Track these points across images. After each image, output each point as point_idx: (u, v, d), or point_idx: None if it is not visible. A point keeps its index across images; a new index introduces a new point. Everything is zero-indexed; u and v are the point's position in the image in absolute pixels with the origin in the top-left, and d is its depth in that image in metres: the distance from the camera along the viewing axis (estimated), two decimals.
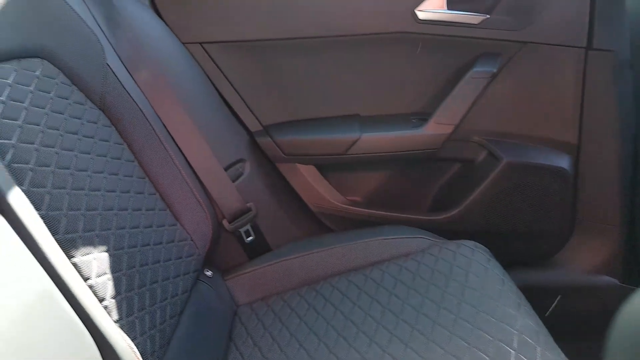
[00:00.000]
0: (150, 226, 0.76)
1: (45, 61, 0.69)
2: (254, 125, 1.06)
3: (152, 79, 0.86)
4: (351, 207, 1.10)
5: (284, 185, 1.10)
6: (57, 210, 0.58)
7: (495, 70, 0.98)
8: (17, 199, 0.51)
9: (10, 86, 0.59)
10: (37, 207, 0.55)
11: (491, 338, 0.68)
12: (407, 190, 1.14)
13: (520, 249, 1.12)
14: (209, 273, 0.92)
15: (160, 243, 0.77)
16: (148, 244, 0.74)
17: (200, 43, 0.98)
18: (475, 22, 0.95)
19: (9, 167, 0.54)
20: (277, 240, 1.03)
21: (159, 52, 0.90)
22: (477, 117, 1.03)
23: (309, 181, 1.08)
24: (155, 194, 0.81)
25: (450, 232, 1.04)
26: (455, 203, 1.08)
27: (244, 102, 1.05)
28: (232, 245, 0.99)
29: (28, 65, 0.65)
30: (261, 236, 1.01)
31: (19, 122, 0.58)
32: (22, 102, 0.60)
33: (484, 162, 1.06)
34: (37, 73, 0.65)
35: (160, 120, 0.86)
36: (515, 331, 0.69)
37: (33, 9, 0.68)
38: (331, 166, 1.12)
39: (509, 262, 0.96)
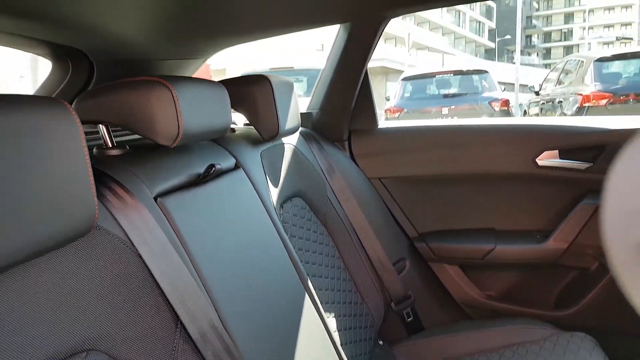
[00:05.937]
0: (349, 303, 1.18)
1: (300, 199, 1.18)
2: (412, 233, 1.47)
3: (350, 205, 1.32)
4: (487, 301, 1.42)
5: (435, 279, 1.46)
6: (319, 290, 1.03)
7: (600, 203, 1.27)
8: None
9: (285, 222, 1.08)
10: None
11: None
12: (534, 289, 1.43)
13: (628, 344, 1.32)
14: (381, 342, 1.30)
15: (355, 315, 1.18)
16: (350, 315, 1.16)
17: (379, 178, 1.45)
18: (582, 168, 1.29)
19: None
20: (429, 321, 1.38)
21: (354, 185, 1.38)
22: (590, 235, 1.31)
23: (454, 278, 1.43)
24: (350, 280, 1.24)
25: (569, 327, 1.29)
26: (573, 303, 1.34)
27: (406, 216, 1.47)
28: (396, 323, 1.37)
29: (294, 203, 1.14)
30: (417, 317, 1.37)
31: (299, 246, 1.06)
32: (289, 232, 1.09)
33: (596, 270, 1.32)
34: (298, 208, 1.14)
35: (354, 229, 1.30)
36: None
37: (296, 170, 1.19)
38: (472, 266, 1.46)
39: (622, 355, 1.19)
